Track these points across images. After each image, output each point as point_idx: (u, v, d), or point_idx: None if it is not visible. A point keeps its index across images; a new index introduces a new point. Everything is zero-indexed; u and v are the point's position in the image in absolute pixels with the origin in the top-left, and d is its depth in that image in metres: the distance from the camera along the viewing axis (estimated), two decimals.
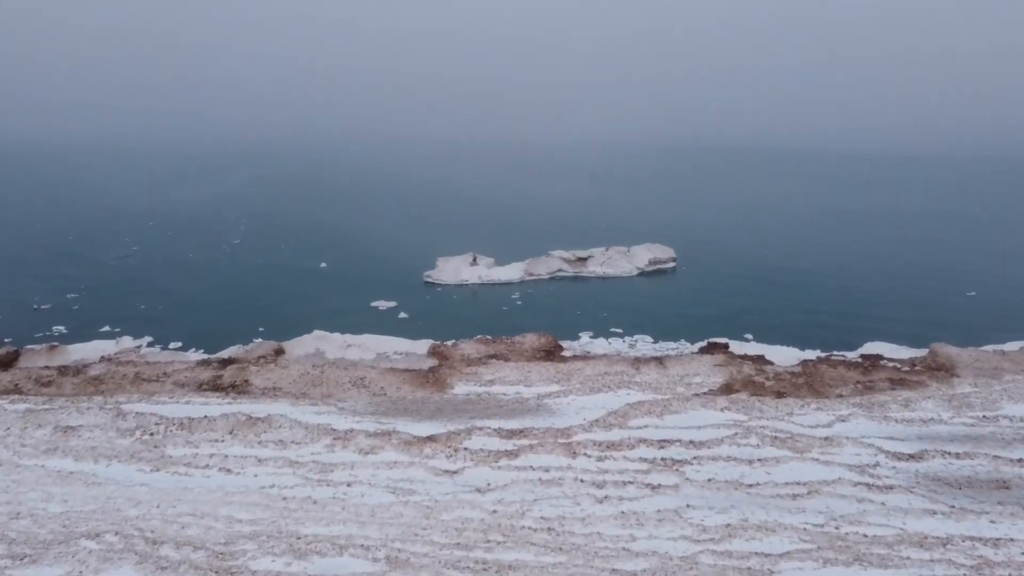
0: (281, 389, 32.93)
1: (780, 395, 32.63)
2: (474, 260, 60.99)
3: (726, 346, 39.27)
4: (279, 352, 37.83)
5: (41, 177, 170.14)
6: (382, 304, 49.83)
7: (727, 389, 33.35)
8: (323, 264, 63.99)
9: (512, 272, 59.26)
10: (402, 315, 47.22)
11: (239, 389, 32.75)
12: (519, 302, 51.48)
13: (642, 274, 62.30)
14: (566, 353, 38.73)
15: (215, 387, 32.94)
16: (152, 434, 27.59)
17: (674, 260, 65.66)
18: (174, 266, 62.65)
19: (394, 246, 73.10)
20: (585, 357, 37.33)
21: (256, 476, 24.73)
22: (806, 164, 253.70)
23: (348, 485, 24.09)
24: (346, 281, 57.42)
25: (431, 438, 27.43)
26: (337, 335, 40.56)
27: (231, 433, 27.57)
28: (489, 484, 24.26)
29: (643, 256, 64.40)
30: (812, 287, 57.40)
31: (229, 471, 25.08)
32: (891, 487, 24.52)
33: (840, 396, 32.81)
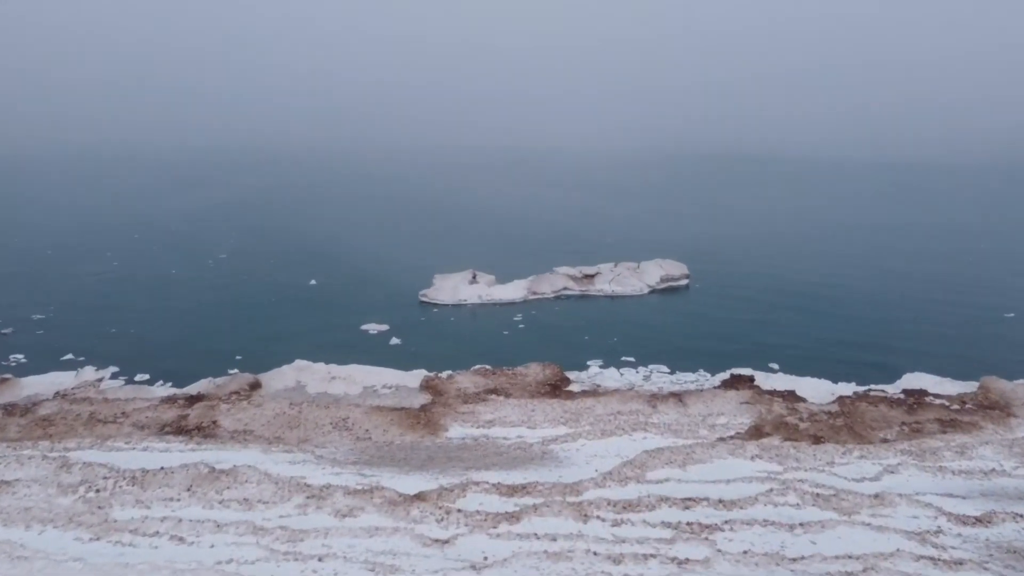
0: (253, 432, 29.55)
1: (817, 440, 29.17)
2: (474, 278, 57.72)
3: (751, 379, 35.84)
4: (254, 386, 34.49)
5: (25, 187, 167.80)
6: (373, 327, 46.52)
7: (757, 432, 29.90)
8: (312, 281, 60.75)
9: (514, 291, 55.95)
10: (394, 340, 43.90)
11: (205, 432, 29.39)
12: (521, 325, 48.14)
13: (653, 292, 58.94)
14: (574, 387, 35.34)
15: (179, 430, 29.60)
16: (98, 491, 24.21)
17: (687, 277, 62.33)
18: (153, 284, 59.42)
19: (389, 262, 69.89)
20: (595, 393, 33.92)
21: (212, 547, 21.30)
22: (822, 173, 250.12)
23: (319, 559, 20.66)
24: (336, 301, 54.13)
25: (419, 496, 24.02)
26: (320, 365, 37.24)
27: (189, 490, 24.17)
28: (486, 558, 20.83)
29: (654, 273, 61.09)
30: (839, 307, 53.91)
31: (182, 540, 21.66)
32: (961, 562, 21.01)
33: (885, 441, 29.33)
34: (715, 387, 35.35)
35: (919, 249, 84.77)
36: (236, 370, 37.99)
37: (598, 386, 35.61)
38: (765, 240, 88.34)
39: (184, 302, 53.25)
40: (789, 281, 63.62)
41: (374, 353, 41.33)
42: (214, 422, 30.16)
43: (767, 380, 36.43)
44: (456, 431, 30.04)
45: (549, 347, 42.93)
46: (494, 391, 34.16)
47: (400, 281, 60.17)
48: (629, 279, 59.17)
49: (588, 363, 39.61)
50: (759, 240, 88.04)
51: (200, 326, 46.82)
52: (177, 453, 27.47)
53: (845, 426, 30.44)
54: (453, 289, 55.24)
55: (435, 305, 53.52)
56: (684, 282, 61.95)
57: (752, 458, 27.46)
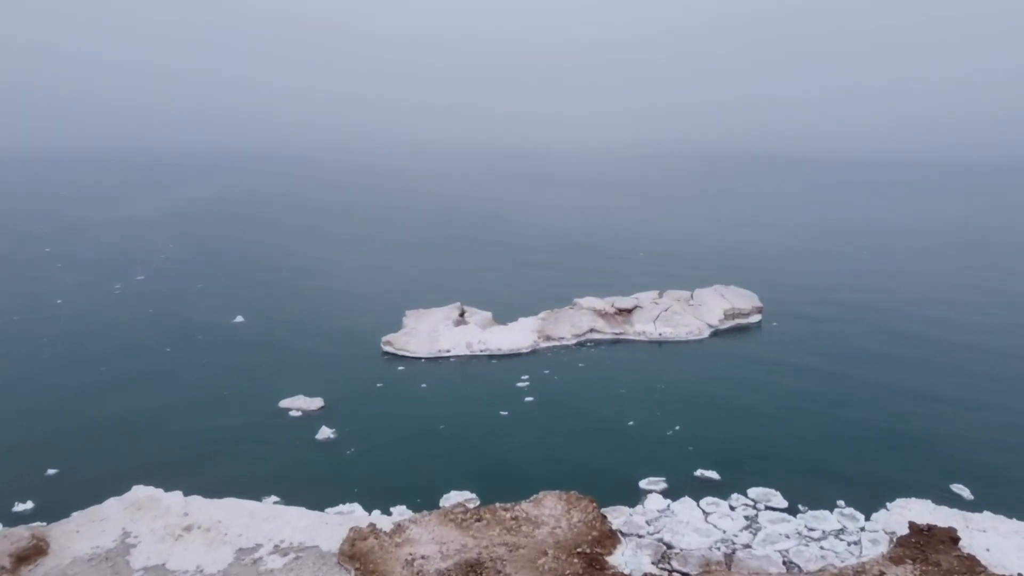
0: None
1: None
2: (461, 315, 42.55)
3: (953, 538, 20.35)
4: (28, 557, 19.35)
5: None
6: (299, 404, 31.37)
7: None
8: (238, 318, 45.75)
9: (519, 335, 40.66)
10: (325, 432, 28.65)
11: None
12: (529, 398, 32.81)
13: (716, 334, 43.55)
14: (624, 553, 19.98)
15: None
16: None
17: (759, 311, 46.90)
18: (17, 323, 44.58)
19: (348, 290, 54.41)
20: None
21: None
22: (909, 175, 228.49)
23: None
24: (257, 353, 39.08)
25: None
26: (175, 497, 22.24)
27: None
28: None
29: (715, 306, 45.68)
30: (999, 368, 38.02)
31: None
32: None
33: None
34: (887, 556, 19.87)
35: None
36: (29, 505, 22.94)
37: (668, 552, 20.21)
38: (847, 254, 72.55)
39: (37, 357, 38.28)
40: (902, 317, 48.04)
41: (286, 460, 26.22)
42: None
43: (970, 529, 21.06)
44: None
45: (574, 445, 27.73)
46: (476, 568, 18.88)
47: (358, 319, 45.15)
48: (681, 316, 43.78)
49: (643, 485, 24.29)
50: (840, 255, 72.16)
51: (31, 404, 31.70)
52: None
53: None
54: (430, 334, 40.04)
55: (403, 358, 38.34)
56: (756, 318, 46.54)
57: None
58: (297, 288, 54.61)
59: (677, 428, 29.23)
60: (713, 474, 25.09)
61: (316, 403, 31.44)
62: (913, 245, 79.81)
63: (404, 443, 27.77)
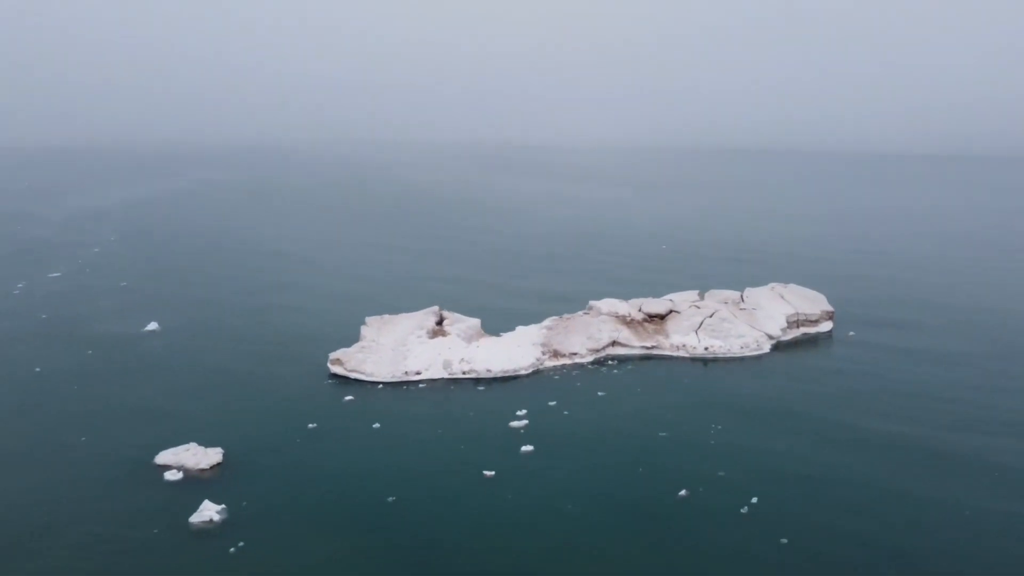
0: None
1: None
2: (439, 323, 32.99)
3: None
4: None
5: None
6: (184, 460, 21.82)
7: None
8: (152, 325, 36.47)
9: (516, 352, 31.00)
10: (207, 511, 19.10)
11: None
12: (527, 446, 23.17)
13: (778, 347, 33.95)
14: None
15: None
16: None
17: (830, 316, 37.27)
18: None
19: (302, 289, 44.82)
20: None
21: None
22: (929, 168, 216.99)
23: None
24: (159, 371, 29.84)
25: None
26: None
27: None
28: None
29: (773, 310, 36.02)
30: None
31: None
32: None
33: None
34: None
35: None
36: None
37: None
38: (905, 246, 62.89)
39: None
40: (998, 314, 38.44)
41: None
42: None
43: None
44: None
45: (599, 540, 18.16)
46: None
47: (305, 327, 35.78)
48: (732, 324, 34.05)
49: None
50: (897, 247, 62.49)
51: None
52: None
53: None
54: (396, 349, 30.41)
55: (355, 383, 28.75)
56: (826, 326, 36.95)
57: None
58: (239, 287, 45.35)
59: (754, 502, 19.63)
60: None
61: (211, 457, 21.87)
62: (963, 235, 70.20)
63: (327, 533, 18.15)
